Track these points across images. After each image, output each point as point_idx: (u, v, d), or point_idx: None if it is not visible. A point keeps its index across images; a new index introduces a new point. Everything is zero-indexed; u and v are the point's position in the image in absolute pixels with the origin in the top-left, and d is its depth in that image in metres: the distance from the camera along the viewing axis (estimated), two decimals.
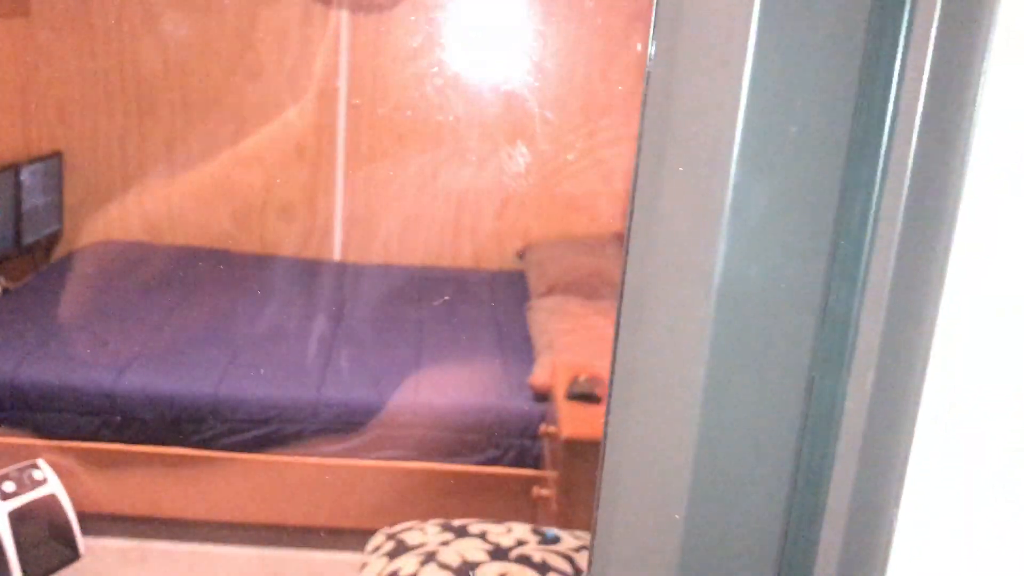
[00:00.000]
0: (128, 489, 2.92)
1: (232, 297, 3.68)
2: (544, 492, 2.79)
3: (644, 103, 0.43)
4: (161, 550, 2.90)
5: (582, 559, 2.37)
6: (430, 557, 2.33)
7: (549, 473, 2.77)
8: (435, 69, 3.86)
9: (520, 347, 3.32)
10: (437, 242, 4.16)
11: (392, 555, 2.39)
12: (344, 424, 2.97)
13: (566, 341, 3.14)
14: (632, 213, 0.45)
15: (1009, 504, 0.44)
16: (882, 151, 0.41)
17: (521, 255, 4.10)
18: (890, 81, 0.40)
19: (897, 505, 0.45)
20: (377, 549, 2.47)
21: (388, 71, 3.97)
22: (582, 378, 2.71)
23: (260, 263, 4.01)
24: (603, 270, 3.66)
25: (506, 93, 3.81)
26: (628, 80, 3.95)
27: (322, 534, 2.96)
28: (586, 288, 3.55)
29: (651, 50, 0.43)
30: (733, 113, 0.40)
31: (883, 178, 0.41)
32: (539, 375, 3.02)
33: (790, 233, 0.41)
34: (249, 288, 3.77)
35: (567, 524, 2.55)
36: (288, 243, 4.11)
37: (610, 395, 0.47)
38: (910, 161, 0.40)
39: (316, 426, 2.96)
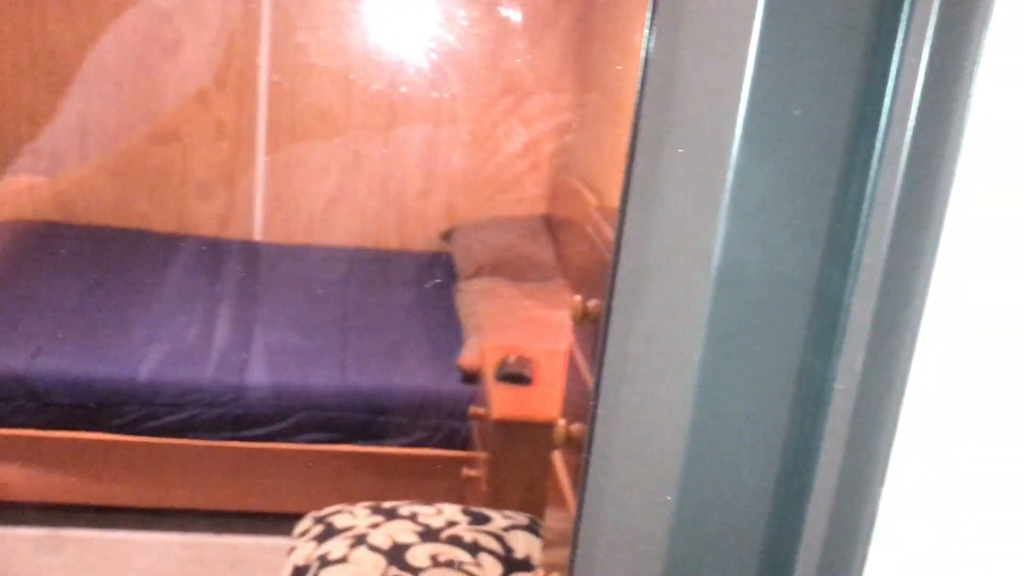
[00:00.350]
0: (43, 476, 2.82)
1: (150, 278, 3.58)
2: (473, 473, 2.79)
3: (642, 84, 0.43)
4: (78, 538, 2.81)
5: (512, 538, 2.38)
6: (360, 540, 2.31)
7: (479, 454, 2.77)
8: (360, 46, 3.80)
9: (448, 329, 3.31)
10: (360, 222, 4.11)
11: (321, 539, 2.37)
12: (268, 407, 2.92)
13: (495, 323, 3.14)
14: (627, 195, 0.45)
15: (992, 485, 0.45)
16: (879, 136, 0.41)
17: (446, 236, 4.08)
18: (889, 66, 0.40)
19: (882, 484, 0.46)
20: (305, 533, 2.44)
21: (311, 48, 3.90)
22: (511, 359, 2.72)
23: (179, 243, 3.91)
24: (530, 252, 3.67)
25: (432, 70, 3.78)
26: (555, 59, 3.95)
27: (248, 519, 2.91)
28: (513, 270, 3.55)
29: (650, 31, 0.42)
30: (737, 94, 0.40)
31: (880, 163, 0.42)
32: (467, 357, 3.01)
33: (789, 216, 0.42)
34: (168, 269, 3.67)
35: (497, 504, 2.56)
36: (207, 223, 4.02)
37: (599, 378, 0.47)
38: (906, 147, 0.41)
39: (239, 410, 2.90)
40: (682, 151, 0.42)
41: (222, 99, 3.87)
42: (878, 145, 0.41)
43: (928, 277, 0.43)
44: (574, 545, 0.49)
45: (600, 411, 0.47)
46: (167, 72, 3.85)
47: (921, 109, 0.40)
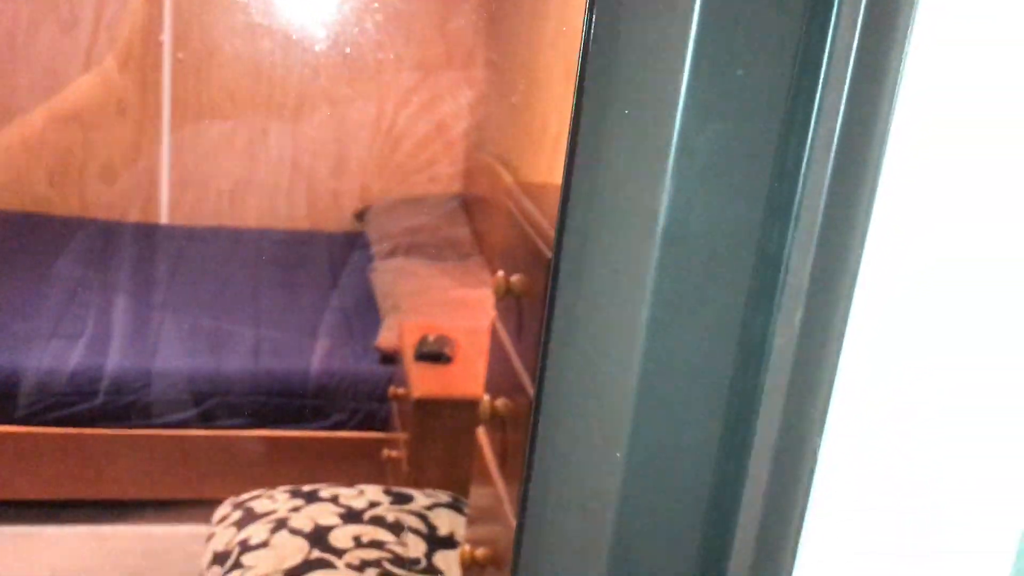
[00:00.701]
0: None
1: (52, 264, 3.45)
2: (394, 453, 2.78)
3: (586, 46, 0.43)
4: None
5: (436, 516, 2.39)
6: (281, 524, 2.29)
7: (398, 435, 2.77)
8: (268, 22, 3.72)
9: (364, 309, 3.28)
10: (270, 203, 4.04)
11: (240, 524, 2.33)
12: (180, 393, 2.86)
13: (412, 302, 3.13)
14: (572, 158, 0.45)
15: (928, 432, 0.47)
16: (817, 95, 0.43)
17: (359, 216, 4.04)
18: (828, 25, 0.41)
19: (821, 435, 0.47)
20: (224, 519, 2.40)
21: (217, 24, 3.80)
22: (431, 338, 2.71)
23: (81, 227, 3.77)
24: (446, 231, 3.66)
25: (343, 47, 3.73)
26: (467, 35, 3.93)
27: (162, 508, 2.85)
28: (430, 249, 3.54)
29: None
30: (681, 55, 0.41)
31: (817, 121, 0.43)
32: (386, 337, 3.00)
33: (732, 174, 0.43)
34: (71, 254, 3.54)
35: (418, 483, 2.56)
36: (111, 206, 3.89)
37: (546, 339, 0.48)
38: (842, 105, 0.42)
39: (150, 397, 2.84)
40: (628, 112, 0.42)
41: (124, 77, 3.75)
42: (816, 103, 0.43)
43: (864, 232, 0.44)
44: (523, 506, 0.50)
45: (548, 372, 0.47)
46: (64, 49, 3.70)
47: (856, 67, 0.41)
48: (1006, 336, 0.46)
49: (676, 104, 0.41)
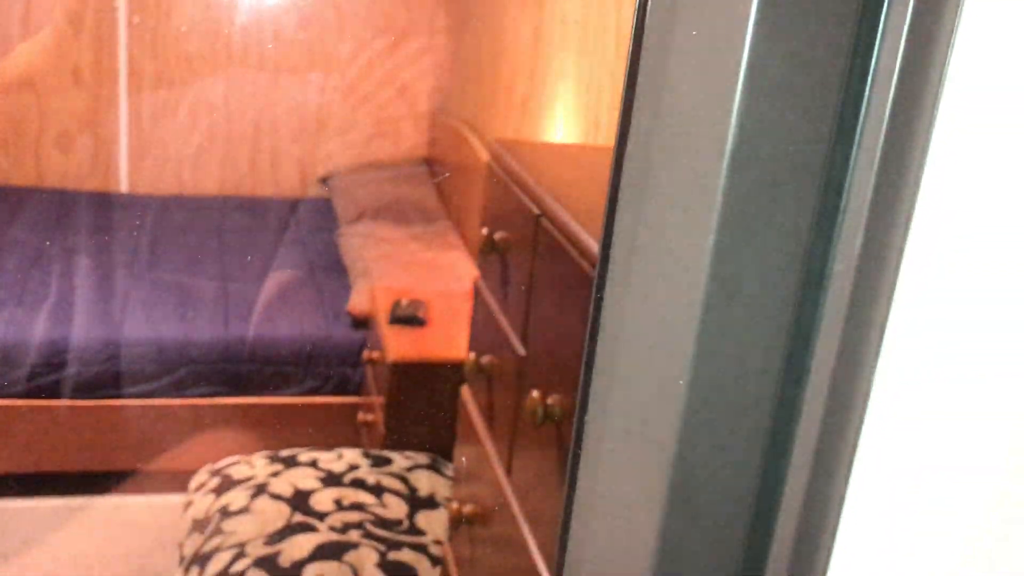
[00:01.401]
0: None
1: (10, 234, 3.38)
2: (370, 417, 2.78)
3: None
4: None
5: (415, 478, 2.39)
6: (261, 489, 2.28)
7: (374, 398, 2.76)
8: None
9: (333, 275, 3.26)
10: (233, 170, 3.97)
11: (219, 491, 2.32)
12: (150, 363, 2.82)
13: (382, 267, 3.11)
14: (634, 84, 0.45)
15: (981, 355, 0.48)
16: (883, 13, 0.42)
17: (325, 181, 3.99)
18: None
19: (875, 363, 0.48)
20: (202, 487, 2.38)
21: None
22: (404, 302, 2.70)
23: (38, 197, 3.68)
24: (412, 195, 3.64)
25: (303, 10, 3.66)
26: (430, 1, 3.89)
27: (136, 478, 2.82)
28: (396, 213, 3.52)
29: None
30: None
31: (882, 42, 0.43)
32: (357, 301, 2.98)
33: (801, 96, 0.43)
34: (30, 225, 3.46)
35: (395, 446, 2.56)
36: (69, 175, 3.80)
37: (604, 268, 0.47)
38: (906, 23, 0.42)
39: (119, 367, 2.80)
40: (695, 33, 0.42)
41: (78, 43, 3.65)
42: (881, 22, 0.43)
43: (924, 156, 0.45)
44: (578, 436, 0.50)
45: (607, 300, 0.47)
46: (13, 14, 3.59)
47: None
48: None
49: (746, 25, 0.41)
